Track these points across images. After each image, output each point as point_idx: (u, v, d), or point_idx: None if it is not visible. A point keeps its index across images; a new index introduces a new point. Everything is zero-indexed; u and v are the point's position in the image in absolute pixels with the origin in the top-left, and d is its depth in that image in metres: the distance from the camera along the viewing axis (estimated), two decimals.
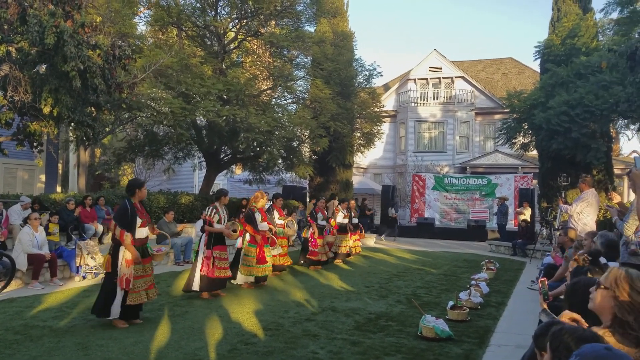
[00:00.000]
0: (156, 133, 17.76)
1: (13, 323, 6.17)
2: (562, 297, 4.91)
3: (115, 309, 6.12)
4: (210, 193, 18.77)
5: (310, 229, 11.80)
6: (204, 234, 8.22)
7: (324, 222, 12.21)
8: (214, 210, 8.17)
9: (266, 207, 13.33)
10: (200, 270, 7.94)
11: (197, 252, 8.28)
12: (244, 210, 16.02)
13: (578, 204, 8.48)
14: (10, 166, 17.37)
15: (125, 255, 6.06)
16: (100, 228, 12.55)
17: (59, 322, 6.28)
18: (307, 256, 11.67)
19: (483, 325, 6.56)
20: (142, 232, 6.29)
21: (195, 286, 7.97)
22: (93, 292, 8.16)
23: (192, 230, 13.67)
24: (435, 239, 20.45)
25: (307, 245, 11.72)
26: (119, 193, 15.17)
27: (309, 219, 12.19)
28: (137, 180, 6.41)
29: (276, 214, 11.20)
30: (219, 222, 8.15)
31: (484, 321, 6.82)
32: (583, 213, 8.43)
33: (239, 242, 9.35)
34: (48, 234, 10.00)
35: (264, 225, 9.24)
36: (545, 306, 3.87)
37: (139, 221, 6.21)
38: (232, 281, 8.96)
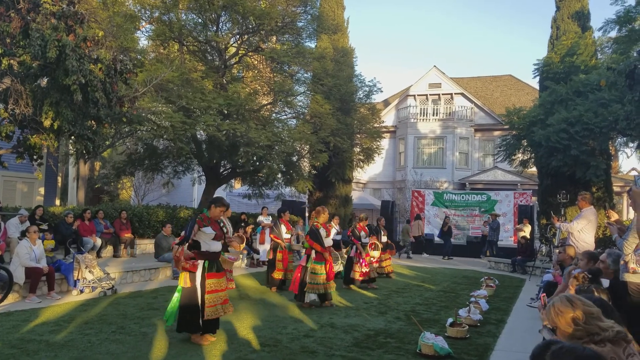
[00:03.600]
0: (156, 147, 17.80)
1: (9, 337, 6.12)
2: None
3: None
4: None
5: (354, 248, 11.47)
6: None
7: (366, 240, 11.88)
8: (221, 224, 8.28)
9: (271, 221, 13.32)
10: None
11: None
12: (243, 224, 16.07)
13: (578, 222, 8.45)
14: (9, 179, 17.36)
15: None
16: (99, 242, 12.51)
17: (56, 336, 6.23)
18: (359, 277, 11.26)
19: (482, 343, 6.52)
20: (215, 246, 6.28)
21: None
22: (91, 306, 8.13)
23: None
24: (434, 255, 20.39)
25: (351, 266, 11.35)
26: (118, 207, 15.15)
27: (352, 238, 11.74)
28: (215, 197, 6.51)
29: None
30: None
31: (484, 339, 6.77)
32: (583, 231, 8.40)
33: (302, 260, 9.20)
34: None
35: (328, 241, 9.17)
36: (547, 323, 3.85)
37: (212, 233, 6.20)
38: (303, 304, 8.83)
